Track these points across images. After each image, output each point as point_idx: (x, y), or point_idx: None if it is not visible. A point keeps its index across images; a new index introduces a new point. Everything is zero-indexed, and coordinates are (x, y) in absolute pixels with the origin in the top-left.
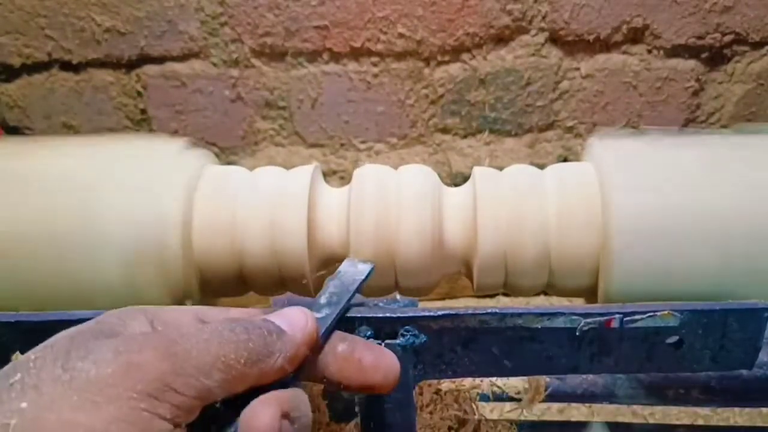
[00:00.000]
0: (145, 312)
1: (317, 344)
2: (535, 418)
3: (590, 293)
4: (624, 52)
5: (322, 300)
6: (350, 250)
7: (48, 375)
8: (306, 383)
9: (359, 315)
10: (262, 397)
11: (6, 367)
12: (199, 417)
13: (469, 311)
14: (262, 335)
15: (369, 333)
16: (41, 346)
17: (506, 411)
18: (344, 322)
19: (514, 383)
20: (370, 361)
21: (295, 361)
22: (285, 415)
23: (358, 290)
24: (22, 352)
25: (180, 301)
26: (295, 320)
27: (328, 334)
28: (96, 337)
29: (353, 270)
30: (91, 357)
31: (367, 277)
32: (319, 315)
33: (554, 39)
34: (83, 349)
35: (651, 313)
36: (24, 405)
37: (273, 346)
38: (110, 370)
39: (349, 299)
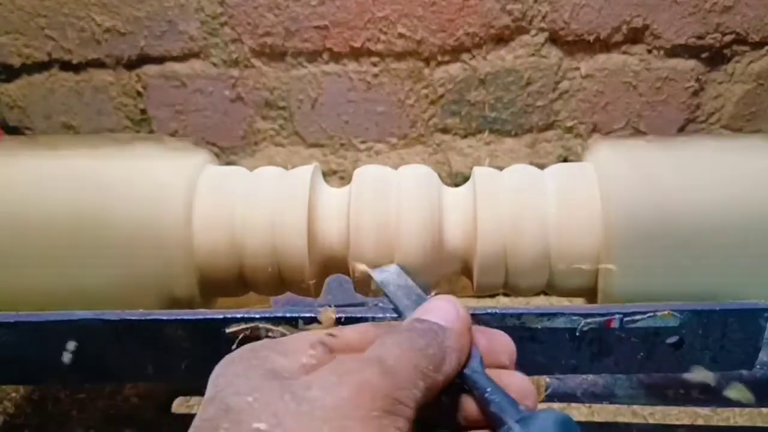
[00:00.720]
0: (310, 339)
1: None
2: None
3: (590, 293)
4: (624, 52)
5: (406, 301)
6: (350, 250)
7: (282, 410)
8: None
9: (359, 315)
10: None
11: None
12: None
13: (469, 311)
14: (434, 337)
15: None
16: (239, 389)
17: None
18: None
19: None
20: (484, 345)
21: (465, 352)
22: None
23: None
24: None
25: (180, 301)
26: (447, 312)
27: None
28: (270, 377)
29: (389, 273)
30: (314, 387)
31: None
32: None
33: (554, 39)
34: (297, 384)
35: (651, 313)
36: None
37: (444, 345)
38: (345, 394)
39: (426, 292)
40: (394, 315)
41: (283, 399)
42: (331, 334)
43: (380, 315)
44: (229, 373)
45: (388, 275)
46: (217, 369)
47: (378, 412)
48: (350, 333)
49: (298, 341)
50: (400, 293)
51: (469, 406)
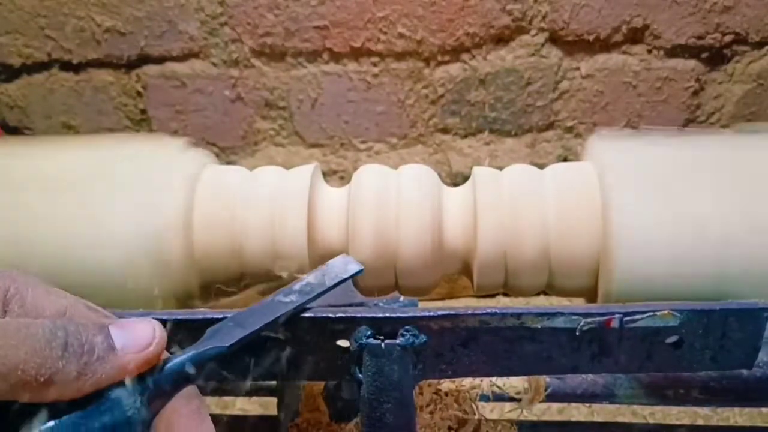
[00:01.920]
0: (9, 283)
1: (156, 362)
2: (535, 418)
3: (590, 293)
4: (624, 52)
5: (296, 286)
6: (350, 249)
7: None
8: (303, 383)
9: (359, 315)
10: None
11: None
12: None
13: (469, 311)
14: (80, 353)
15: (369, 333)
16: None
17: (506, 411)
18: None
19: (514, 383)
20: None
21: (107, 383)
22: None
23: (334, 287)
24: None
25: (181, 301)
26: (135, 338)
27: (283, 321)
28: None
29: (341, 267)
30: None
31: (350, 276)
32: (284, 299)
33: (554, 39)
34: None
35: (651, 313)
36: None
37: (88, 367)
38: None
39: (321, 293)
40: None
41: None
42: None
43: (380, 314)
44: None
45: (338, 266)
46: None
47: None
48: (80, 310)
49: (44, 298)
50: (311, 280)
51: None
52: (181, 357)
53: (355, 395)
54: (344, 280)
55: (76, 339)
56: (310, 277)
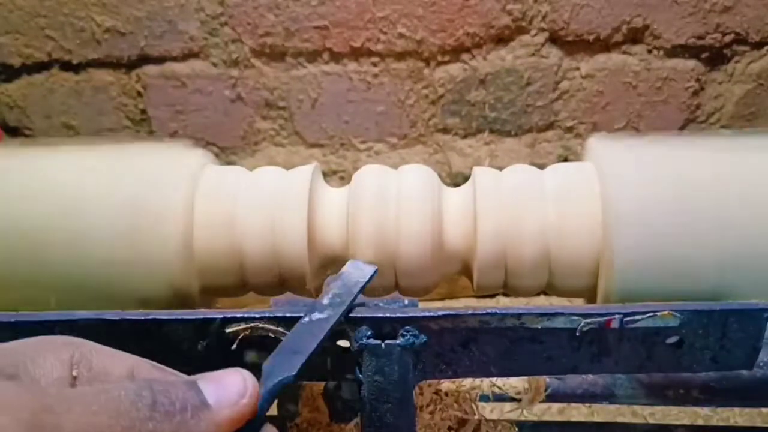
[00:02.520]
0: (75, 351)
1: (252, 416)
2: (535, 418)
3: (590, 293)
4: (624, 52)
5: (325, 301)
6: (350, 250)
7: None
8: (304, 383)
9: (359, 315)
10: None
11: None
12: None
13: (469, 311)
14: (172, 413)
15: (369, 333)
16: None
17: (506, 411)
18: (347, 323)
19: (514, 383)
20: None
21: None
22: None
23: (361, 292)
24: None
25: (181, 301)
26: (228, 392)
27: (329, 336)
28: None
29: (356, 272)
30: None
31: (370, 279)
32: (321, 316)
33: (554, 39)
34: None
35: (651, 313)
36: None
37: (183, 426)
38: None
39: (353, 300)
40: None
41: None
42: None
43: (380, 315)
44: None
45: (353, 272)
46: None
47: None
48: (146, 369)
49: (109, 360)
50: (336, 291)
51: None
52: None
53: (355, 395)
54: (367, 283)
55: (166, 397)
56: (333, 289)
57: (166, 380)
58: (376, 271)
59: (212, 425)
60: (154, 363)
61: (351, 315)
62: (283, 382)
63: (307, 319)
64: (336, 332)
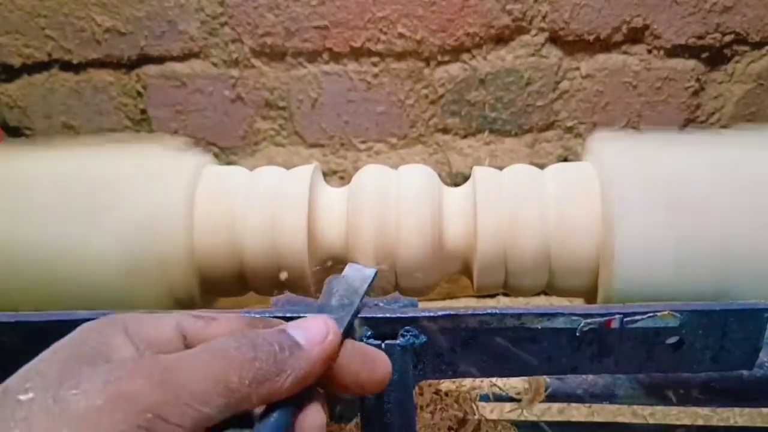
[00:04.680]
0: (125, 327)
1: (335, 357)
2: (535, 418)
3: (590, 293)
4: (624, 52)
5: (334, 302)
6: (350, 249)
7: (39, 407)
8: None
9: (360, 315)
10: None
11: None
12: None
13: (469, 311)
14: (272, 352)
15: (369, 333)
16: (32, 371)
17: (506, 411)
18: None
19: (514, 383)
20: (357, 364)
21: (309, 379)
22: None
23: (366, 293)
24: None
25: (181, 301)
26: (314, 333)
27: (344, 336)
28: (87, 362)
29: (358, 274)
30: (82, 387)
31: (372, 280)
32: (336, 316)
33: (554, 39)
34: (75, 378)
35: (651, 313)
36: None
37: (284, 363)
38: (100, 402)
39: (360, 301)
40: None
41: (47, 392)
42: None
43: (380, 315)
44: (64, 341)
45: (355, 275)
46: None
47: (126, 427)
48: (216, 324)
49: (159, 321)
50: (342, 292)
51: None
52: (285, 405)
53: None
54: (371, 283)
55: (264, 340)
56: (339, 290)
57: (256, 330)
58: (377, 273)
59: (308, 362)
60: (196, 312)
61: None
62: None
63: None
64: None
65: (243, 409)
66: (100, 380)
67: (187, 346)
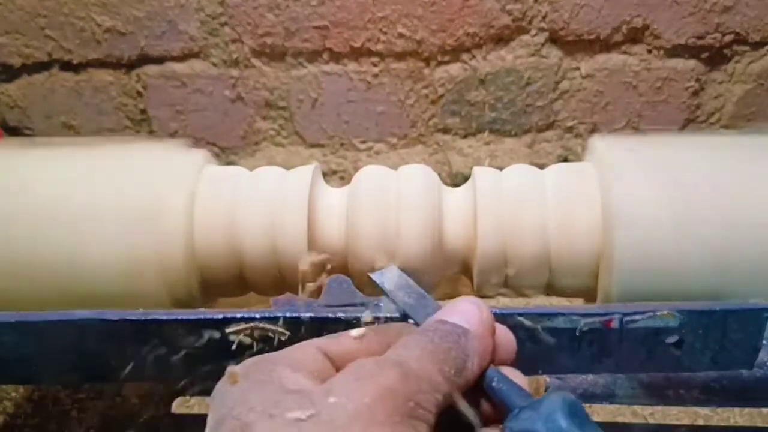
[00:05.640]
0: (284, 364)
1: (494, 332)
2: None
3: (590, 293)
4: (624, 52)
5: (406, 299)
6: (350, 250)
7: (303, 420)
8: None
9: (360, 315)
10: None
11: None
12: None
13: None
14: (457, 341)
15: None
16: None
17: None
18: (349, 324)
19: None
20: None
21: (487, 356)
22: None
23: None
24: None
25: (181, 301)
26: (470, 314)
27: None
28: (299, 392)
29: (390, 274)
30: (333, 394)
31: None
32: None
33: (554, 39)
34: (315, 393)
35: (651, 313)
36: None
37: (466, 348)
38: (367, 400)
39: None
40: (397, 316)
41: (302, 409)
42: (332, 339)
43: (380, 315)
44: (236, 391)
45: (388, 277)
46: (221, 387)
47: (399, 418)
48: (369, 335)
49: (301, 351)
50: (402, 294)
51: (483, 402)
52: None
53: None
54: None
55: (441, 330)
56: (401, 291)
57: (428, 325)
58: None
59: (480, 342)
60: (326, 336)
61: (351, 315)
62: None
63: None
64: (335, 331)
65: (451, 400)
66: (349, 383)
67: (336, 368)
